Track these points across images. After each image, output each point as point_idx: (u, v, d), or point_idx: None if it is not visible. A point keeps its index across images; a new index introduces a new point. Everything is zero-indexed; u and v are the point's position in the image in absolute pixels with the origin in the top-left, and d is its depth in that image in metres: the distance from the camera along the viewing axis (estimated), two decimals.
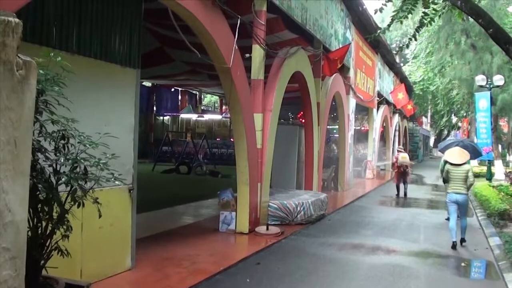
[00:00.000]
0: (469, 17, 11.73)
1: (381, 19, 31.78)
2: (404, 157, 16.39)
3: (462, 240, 8.91)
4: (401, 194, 16.64)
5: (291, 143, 13.56)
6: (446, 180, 9.13)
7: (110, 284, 5.65)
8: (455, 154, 9.00)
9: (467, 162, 9.16)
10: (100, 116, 5.51)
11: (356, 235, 9.59)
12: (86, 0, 5.38)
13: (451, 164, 8.89)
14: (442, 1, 9.36)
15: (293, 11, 10.86)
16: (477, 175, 22.18)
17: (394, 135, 30.76)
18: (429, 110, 48.28)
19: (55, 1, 4.92)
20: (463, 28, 23.81)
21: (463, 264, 7.72)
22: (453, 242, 8.64)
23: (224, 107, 33.06)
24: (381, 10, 9.08)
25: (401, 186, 16.59)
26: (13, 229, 2.48)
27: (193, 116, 30.33)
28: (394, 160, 17.34)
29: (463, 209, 8.91)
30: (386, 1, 9.08)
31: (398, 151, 17.55)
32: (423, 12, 9.08)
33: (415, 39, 10.21)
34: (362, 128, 27.93)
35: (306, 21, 11.88)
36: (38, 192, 3.34)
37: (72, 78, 3.76)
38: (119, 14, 5.89)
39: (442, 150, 10.17)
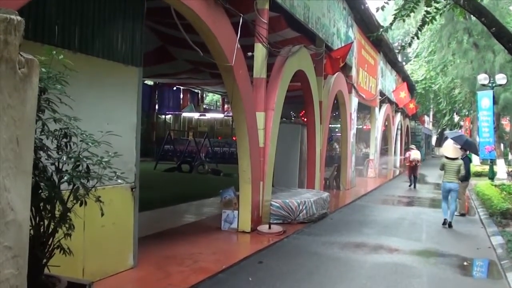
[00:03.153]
0: (472, 15, 11.73)
1: (383, 18, 31.74)
2: (416, 154, 19.25)
3: (450, 224, 10.55)
4: (412, 185, 19.39)
5: (294, 141, 13.54)
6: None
7: (113, 283, 5.65)
8: (450, 150, 10.85)
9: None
10: (103, 114, 5.50)
11: (358, 234, 9.58)
12: None
13: (447, 158, 10.69)
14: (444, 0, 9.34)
15: (296, 9, 10.84)
16: (479, 174, 22.34)
17: (396, 134, 30.72)
18: (431, 109, 48.21)
19: None
20: (466, 26, 23.77)
21: (465, 263, 7.70)
22: (444, 219, 10.66)
23: (226, 106, 33.05)
24: (383, 8, 9.07)
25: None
26: (15, 227, 2.47)
27: (195, 115, 30.34)
28: (407, 156, 19.98)
29: (454, 195, 10.68)
30: None
31: (410, 148, 20.42)
32: (425, 11, 9.06)
33: (417, 38, 10.21)
34: (364, 127, 27.92)
35: (309, 19, 11.86)
36: (40, 191, 3.33)
37: (74, 76, 3.75)
38: (122, 12, 5.89)
39: (458, 142, 11.69)
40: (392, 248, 8.41)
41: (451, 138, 11.59)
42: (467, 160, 12.49)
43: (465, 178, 11.78)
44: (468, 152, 12.73)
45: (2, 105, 2.37)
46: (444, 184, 10.73)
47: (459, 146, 11.15)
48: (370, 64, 21.30)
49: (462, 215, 12.24)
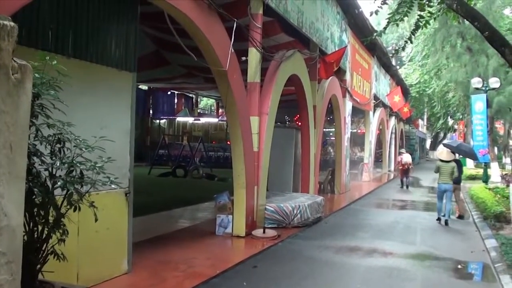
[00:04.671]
0: (465, 20, 11.81)
1: (377, 22, 31.90)
2: (407, 157, 20.66)
3: (446, 222, 11.42)
4: (404, 186, 20.61)
5: (288, 146, 13.55)
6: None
7: None
8: (444, 153, 11.83)
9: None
10: (96, 119, 5.49)
11: (353, 237, 9.59)
12: (82, 3, 5.38)
13: (441, 161, 11.64)
14: (438, 4, 9.38)
15: (289, 14, 10.88)
16: (473, 177, 22.45)
17: (391, 138, 30.81)
18: (425, 113, 48.41)
19: (51, 5, 4.91)
20: (459, 31, 23.90)
21: (459, 266, 7.73)
22: (438, 217, 11.72)
23: (220, 110, 33.04)
24: (376, 12, 9.11)
25: (404, 180, 20.76)
26: (9, 233, 2.47)
27: (190, 119, 30.30)
28: (399, 159, 21.16)
29: (448, 195, 11.56)
30: (381, 4, 9.11)
31: (401, 152, 21.80)
32: (419, 15, 9.10)
33: (411, 42, 10.25)
34: (359, 131, 27.99)
35: (302, 24, 11.90)
36: (34, 196, 3.32)
37: (68, 82, 3.75)
38: (115, 17, 5.89)
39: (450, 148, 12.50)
40: (387, 252, 8.42)
41: (445, 145, 12.33)
42: (459, 164, 12.64)
43: (457, 181, 12.00)
44: (460, 156, 13.14)
45: None
46: (440, 185, 11.65)
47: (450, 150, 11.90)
48: (364, 68, 21.38)
49: (460, 217, 12.35)
